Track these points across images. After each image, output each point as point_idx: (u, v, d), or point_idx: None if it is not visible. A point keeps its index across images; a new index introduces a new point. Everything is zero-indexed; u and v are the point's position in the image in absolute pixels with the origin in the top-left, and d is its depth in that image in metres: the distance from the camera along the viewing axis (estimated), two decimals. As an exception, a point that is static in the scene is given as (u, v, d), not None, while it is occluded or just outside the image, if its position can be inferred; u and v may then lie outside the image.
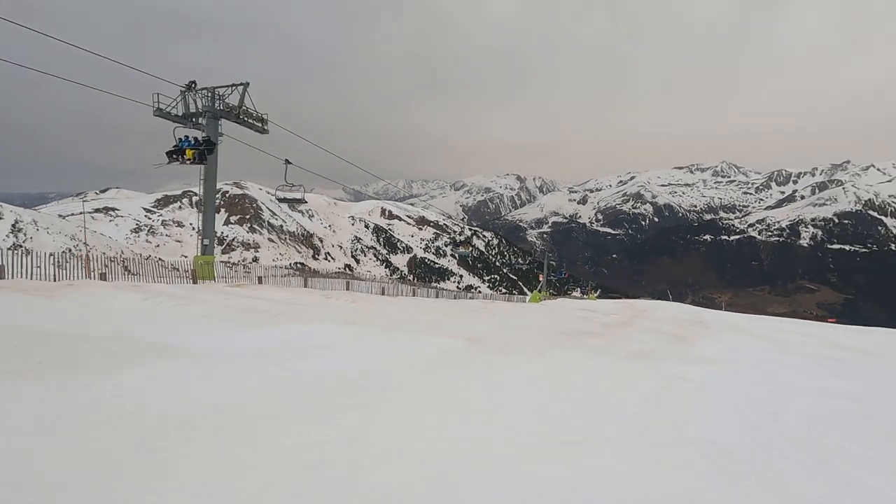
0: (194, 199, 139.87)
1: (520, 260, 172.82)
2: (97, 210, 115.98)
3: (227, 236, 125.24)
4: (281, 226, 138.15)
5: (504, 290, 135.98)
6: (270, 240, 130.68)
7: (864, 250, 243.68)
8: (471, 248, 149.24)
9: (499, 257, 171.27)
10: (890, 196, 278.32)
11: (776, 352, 12.67)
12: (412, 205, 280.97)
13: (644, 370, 6.79)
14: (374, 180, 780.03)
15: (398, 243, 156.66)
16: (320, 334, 7.56)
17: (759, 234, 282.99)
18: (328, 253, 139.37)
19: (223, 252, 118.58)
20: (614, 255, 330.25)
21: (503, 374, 5.88)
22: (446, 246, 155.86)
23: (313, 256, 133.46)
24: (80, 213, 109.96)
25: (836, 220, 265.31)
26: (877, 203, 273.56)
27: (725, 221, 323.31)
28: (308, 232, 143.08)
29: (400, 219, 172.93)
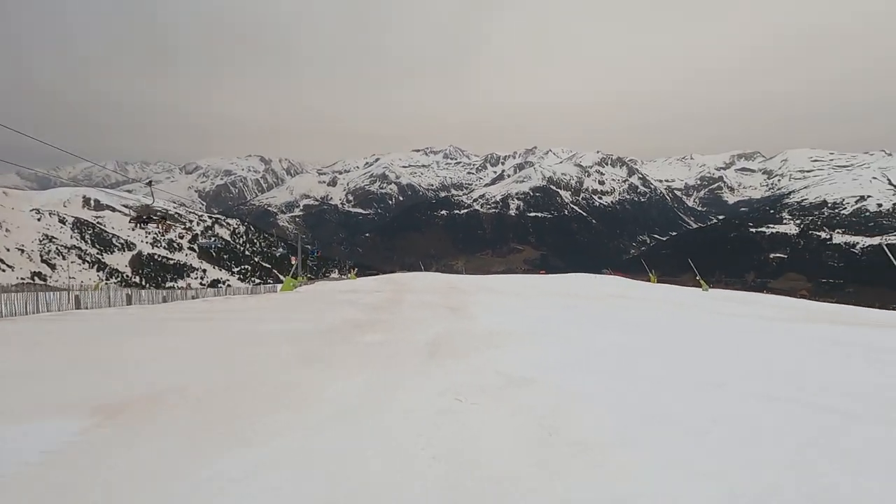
0: None
1: (273, 246, 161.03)
2: None
3: None
4: None
5: (258, 280, 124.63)
6: None
7: (550, 216, 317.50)
8: (214, 238, 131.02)
9: (248, 246, 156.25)
10: (563, 174, 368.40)
11: (537, 308, 13.27)
12: (130, 192, 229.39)
13: (463, 380, 4.95)
14: (69, 163, 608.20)
15: (114, 239, 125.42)
16: None
17: (481, 208, 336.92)
18: (1, 259, 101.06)
19: None
20: (367, 234, 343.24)
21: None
22: (180, 238, 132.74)
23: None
24: None
25: (532, 193, 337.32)
26: (555, 179, 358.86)
27: (456, 198, 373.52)
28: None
29: (114, 209, 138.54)
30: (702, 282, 35.86)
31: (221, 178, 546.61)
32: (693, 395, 4.07)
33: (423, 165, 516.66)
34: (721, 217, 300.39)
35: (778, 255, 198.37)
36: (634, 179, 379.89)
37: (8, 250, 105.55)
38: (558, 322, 9.64)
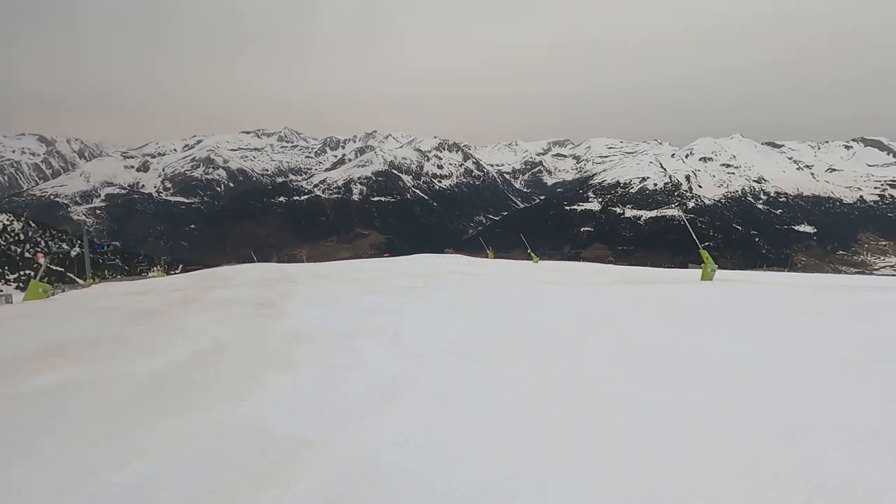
0: None
1: (64, 245, 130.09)
2: None
3: None
4: None
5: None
6: None
7: (393, 200, 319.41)
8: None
9: (28, 247, 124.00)
10: (404, 158, 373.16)
11: (367, 294, 11.33)
12: None
13: (153, 478, 2.45)
14: None
15: None
16: None
17: (323, 193, 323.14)
18: None
19: None
20: (193, 226, 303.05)
21: None
22: None
23: None
24: None
25: (374, 178, 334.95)
26: (397, 164, 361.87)
27: (295, 183, 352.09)
28: None
29: None
30: (532, 255, 38.34)
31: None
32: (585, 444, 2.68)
33: (256, 149, 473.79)
34: (542, 197, 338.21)
35: (587, 228, 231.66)
36: (469, 164, 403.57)
37: None
38: (389, 311, 7.81)
